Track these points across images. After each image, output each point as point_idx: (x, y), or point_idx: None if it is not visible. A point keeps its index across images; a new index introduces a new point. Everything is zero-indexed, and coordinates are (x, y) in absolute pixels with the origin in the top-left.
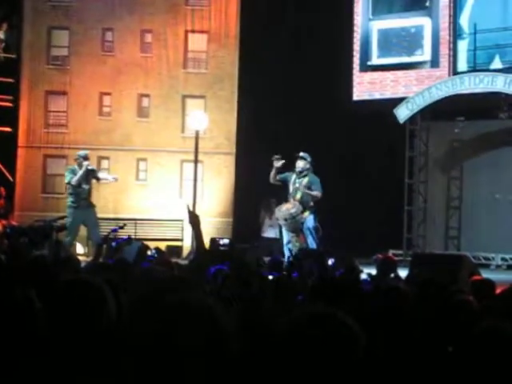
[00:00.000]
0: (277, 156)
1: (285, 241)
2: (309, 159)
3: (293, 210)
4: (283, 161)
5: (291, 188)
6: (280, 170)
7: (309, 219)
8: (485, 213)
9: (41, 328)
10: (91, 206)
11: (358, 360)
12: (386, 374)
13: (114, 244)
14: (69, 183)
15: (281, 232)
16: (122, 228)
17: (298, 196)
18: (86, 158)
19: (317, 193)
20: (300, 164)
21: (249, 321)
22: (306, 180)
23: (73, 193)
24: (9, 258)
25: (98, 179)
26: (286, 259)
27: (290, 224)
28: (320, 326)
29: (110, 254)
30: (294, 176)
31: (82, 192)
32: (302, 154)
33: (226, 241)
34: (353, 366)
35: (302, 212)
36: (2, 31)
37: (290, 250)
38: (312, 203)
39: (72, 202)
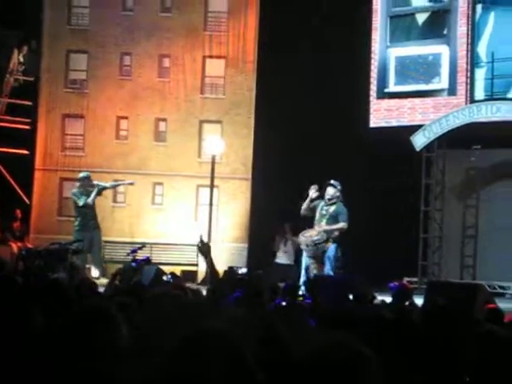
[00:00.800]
0: (315, 186)
1: (303, 266)
2: (339, 187)
3: (315, 238)
4: (318, 193)
5: (318, 215)
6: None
7: (331, 249)
8: (500, 241)
9: (43, 349)
10: (98, 227)
11: None
12: None
13: (134, 264)
14: (85, 206)
15: (301, 256)
16: (140, 249)
17: (323, 224)
18: (90, 178)
19: (342, 225)
20: (330, 191)
21: (266, 348)
22: (332, 208)
23: (79, 214)
24: (25, 280)
25: (106, 189)
26: (302, 284)
27: (310, 250)
28: (337, 354)
29: (129, 275)
30: (322, 203)
31: (89, 213)
32: (332, 181)
33: (244, 270)
34: None
35: (326, 241)
36: (21, 54)
37: (307, 276)
38: (337, 233)
39: (80, 224)
